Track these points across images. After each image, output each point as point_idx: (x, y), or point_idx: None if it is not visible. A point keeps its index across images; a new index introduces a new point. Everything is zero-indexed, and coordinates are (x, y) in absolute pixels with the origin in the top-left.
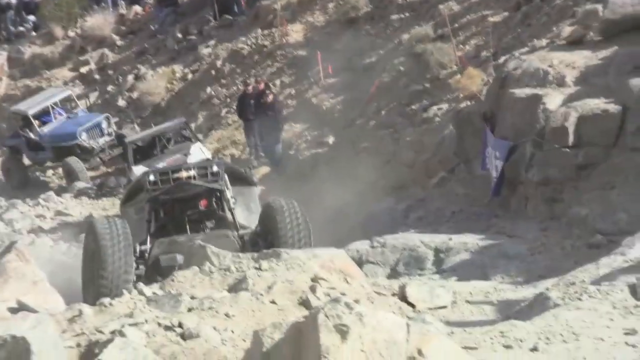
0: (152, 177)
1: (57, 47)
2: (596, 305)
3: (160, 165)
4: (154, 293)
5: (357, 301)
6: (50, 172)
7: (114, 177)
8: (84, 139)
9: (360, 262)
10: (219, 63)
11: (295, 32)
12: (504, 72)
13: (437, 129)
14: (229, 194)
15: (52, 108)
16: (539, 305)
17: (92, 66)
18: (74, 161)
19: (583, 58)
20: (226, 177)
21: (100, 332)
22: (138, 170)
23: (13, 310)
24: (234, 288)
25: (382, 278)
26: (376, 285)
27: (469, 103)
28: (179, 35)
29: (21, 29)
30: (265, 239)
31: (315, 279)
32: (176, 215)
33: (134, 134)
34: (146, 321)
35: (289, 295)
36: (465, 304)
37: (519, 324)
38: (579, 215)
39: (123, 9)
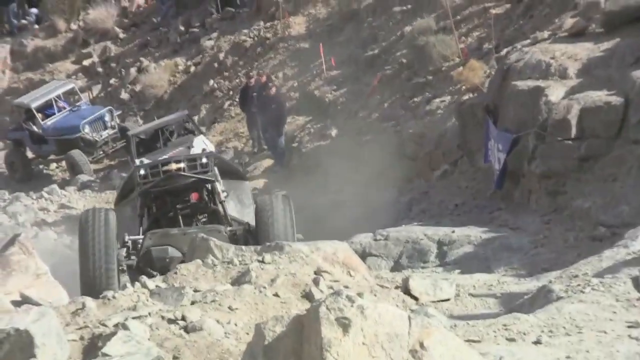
0: (142, 171)
1: (60, 40)
2: (599, 298)
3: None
4: (157, 286)
5: (360, 294)
6: (53, 165)
7: (116, 170)
8: (87, 131)
9: (363, 255)
10: (221, 55)
11: (298, 25)
12: (506, 64)
13: (440, 121)
14: (219, 186)
15: (55, 101)
16: (542, 298)
17: (95, 59)
18: (77, 154)
19: (585, 50)
20: (216, 170)
21: (104, 325)
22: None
23: (16, 303)
24: (237, 281)
25: (385, 271)
26: (379, 278)
27: (471, 95)
28: (182, 28)
29: (24, 22)
30: (255, 236)
31: (318, 272)
32: (168, 208)
33: (137, 126)
34: (149, 314)
35: (292, 288)
36: (468, 297)
37: (522, 317)
38: (582, 208)
39: (125, 2)
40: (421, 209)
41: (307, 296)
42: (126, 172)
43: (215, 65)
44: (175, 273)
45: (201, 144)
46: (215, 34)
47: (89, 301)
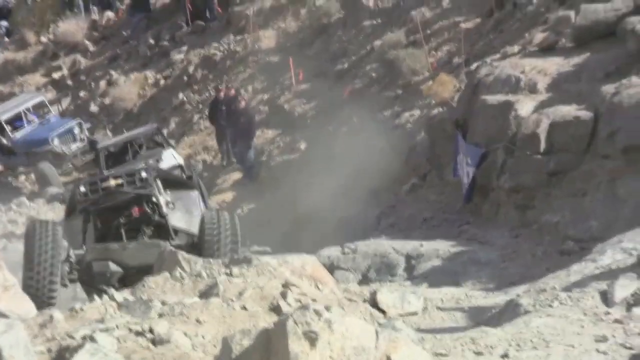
0: (82, 189)
1: (30, 52)
2: (567, 312)
3: None
4: (124, 298)
5: (328, 307)
6: (22, 177)
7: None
8: (56, 144)
9: (331, 268)
10: (191, 69)
11: (268, 38)
12: (476, 78)
13: (409, 135)
14: (162, 199)
15: (25, 113)
16: (509, 312)
17: (65, 72)
18: (46, 166)
19: (555, 64)
20: (159, 183)
21: (71, 337)
22: None
23: None
24: (205, 294)
25: (353, 284)
26: (347, 292)
27: (441, 109)
28: (151, 41)
29: None
30: (199, 250)
31: (286, 285)
32: (112, 223)
33: (106, 139)
34: (117, 327)
35: (260, 301)
36: (436, 311)
37: (490, 331)
38: (551, 222)
39: (95, 15)
40: (390, 222)
41: (275, 309)
42: None
43: (185, 78)
44: (143, 285)
45: (170, 157)
46: (185, 48)
47: (57, 313)
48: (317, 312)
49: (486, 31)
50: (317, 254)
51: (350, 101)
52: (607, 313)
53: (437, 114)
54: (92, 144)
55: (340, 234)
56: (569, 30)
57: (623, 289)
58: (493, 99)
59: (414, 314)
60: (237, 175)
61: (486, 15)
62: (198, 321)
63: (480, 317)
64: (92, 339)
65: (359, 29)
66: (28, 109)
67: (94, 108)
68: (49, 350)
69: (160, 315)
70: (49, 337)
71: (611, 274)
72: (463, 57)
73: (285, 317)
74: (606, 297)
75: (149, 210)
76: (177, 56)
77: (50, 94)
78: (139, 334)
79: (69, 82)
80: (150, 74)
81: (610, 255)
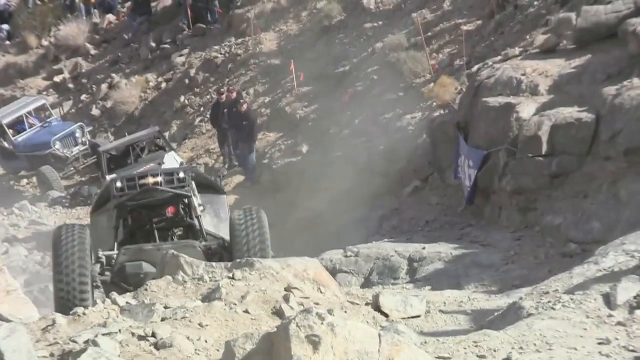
0: (118, 184)
1: (31, 56)
2: (569, 314)
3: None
4: (127, 303)
5: (330, 311)
6: (24, 181)
7: (87, 186)
8: (57, 148)
9: (333, 272)
10: (192, 72)
11: (269, 41)
12: (477, 80)
13: (411, 137)
14: (196, 201)
15: (26, 117)
16: (512, 314)
17: (66, 75)
18: (48, 170)
19: (556, 66)
20: (194, 184)
21: (74, 341)
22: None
23: None
24: (208, 297)
25: (356, 287)
26: (350, 295)
27: (442, 112)
28: (153, 44)
29: None
30: (229, 251)
31: (288, 289)
32: (144, 222)
33: (108, 143)
34: (119, 331)
35: (263, 304)
36: (438, 314)
37: (493, 334)
38: (553, 224)
39: (97, 18)
40: (392, 225)
41: (278, 313)
42: (95, 189)
43: (186, 81)
44: (146, 289)
45: (172, 160)
46: (186, 50)
47: (59, 317)
48: (319, 316)
49: (487, 33)
50: (320, 257)
51: (351, 104)
52: (610, 315)
53: (439, 116)
54: (94, 147)
55: (342, 237)
56: (570, 32)
57: (625, 291)
58: (494, 101)
59: (417, 317)
60: (238, 178)
61: (487, 17)
62: (200, 325)
63: (482, 320)
64: (94, 343)
65: (360, 31)
66: (29, 113)
67: (95, 111)
68: (52, 355)
69: (163, 319)
70: (52, 341)
71: (613, 277)
72: (464, 59)
73: (288, 320)
74: (609, 300)
75: (181, 211)
76: (179, 59)
77: (52, 97)
78: (141, 338)
79: (70, 85)
80: (151, 77)
81: (612, 257)
